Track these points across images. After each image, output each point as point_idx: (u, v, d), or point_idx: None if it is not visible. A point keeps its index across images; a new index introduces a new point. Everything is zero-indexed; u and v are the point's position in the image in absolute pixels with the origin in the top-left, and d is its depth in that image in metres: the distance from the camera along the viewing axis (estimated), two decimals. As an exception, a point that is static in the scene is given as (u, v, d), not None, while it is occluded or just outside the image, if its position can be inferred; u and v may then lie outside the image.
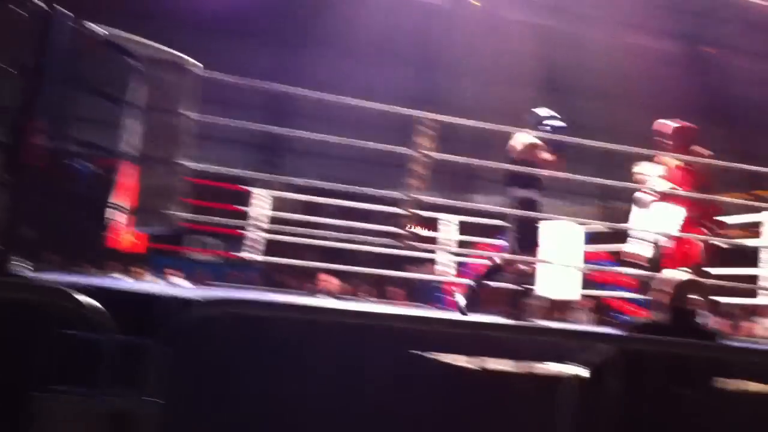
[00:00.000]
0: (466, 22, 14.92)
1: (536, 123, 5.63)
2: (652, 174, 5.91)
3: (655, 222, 5.81)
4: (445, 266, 9.24)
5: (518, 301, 5.99)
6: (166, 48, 4.14)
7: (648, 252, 5.89)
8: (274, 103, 17.31)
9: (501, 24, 14.59)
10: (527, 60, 15.86)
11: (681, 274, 3.78)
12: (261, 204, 8.32)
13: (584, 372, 3.38)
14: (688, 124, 5.95)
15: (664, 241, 5.86)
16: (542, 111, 5.82)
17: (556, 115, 5.82)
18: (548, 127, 5.63)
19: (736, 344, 5.99)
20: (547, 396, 2.92)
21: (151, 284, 7.36)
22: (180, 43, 4.45)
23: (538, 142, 5.53)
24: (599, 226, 8.30)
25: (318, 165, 17.37)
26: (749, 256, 6.81)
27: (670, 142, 5.89)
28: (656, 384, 2.71)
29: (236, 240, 13.11)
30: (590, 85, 16.43)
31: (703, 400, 2.73)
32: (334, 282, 10.00)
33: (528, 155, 5.50)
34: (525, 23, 15.17)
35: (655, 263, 5.65)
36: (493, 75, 16.77)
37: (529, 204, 5.57)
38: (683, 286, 3.65)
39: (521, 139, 5.56)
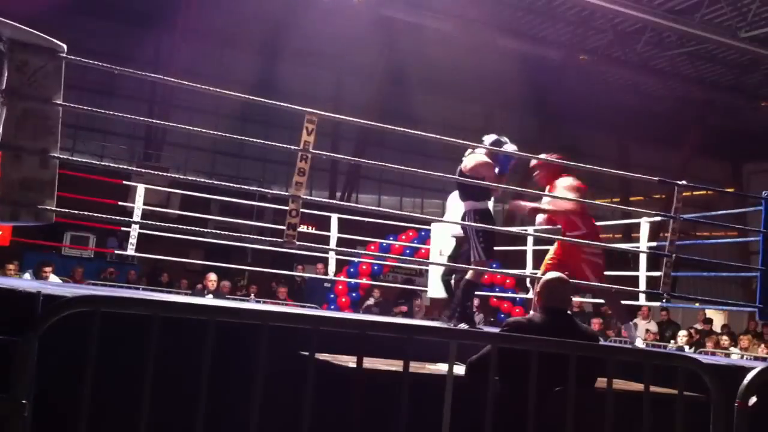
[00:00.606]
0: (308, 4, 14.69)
1: (493, 145, 5.98)
2: None
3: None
4: (332, 265, 9.22)
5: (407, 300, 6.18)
6: (30, 30, 3.90)
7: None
8: (157, 94, 16.89)
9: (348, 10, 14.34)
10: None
11: (557, 275, 3.86)
12: (141, 199, 8.04)
13: (461, 370, 3.42)
14: (553, 156, 6.21)
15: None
16: (492, 137, 6.09)
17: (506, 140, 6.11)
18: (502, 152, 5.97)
19: (611, 344, 6.25)
20: (429, 395, 2.93)
21: (18, 280, 7.00)
22: (45, 24, 4.24)
23: (488, 161, 5.92)
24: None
25: (204, 160, 17.09)
26: (627, 260, 7.12)
27: (541, 173, 6.26)
28: (534, 382, 2.75)
29: (114, 235, 12.67)
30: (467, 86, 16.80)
31: (580, 398, 2.79)
32: (214, 279, 9.79)
33: (477, 172, 5.84)
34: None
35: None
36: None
37: (485, 214, 5.92)
38: (559, 286, 3.74)
39: (476, 157, 5.94)
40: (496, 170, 5.95)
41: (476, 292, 6.77)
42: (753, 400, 2.90)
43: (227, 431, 3.29)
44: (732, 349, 11.18)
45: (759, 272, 6.31)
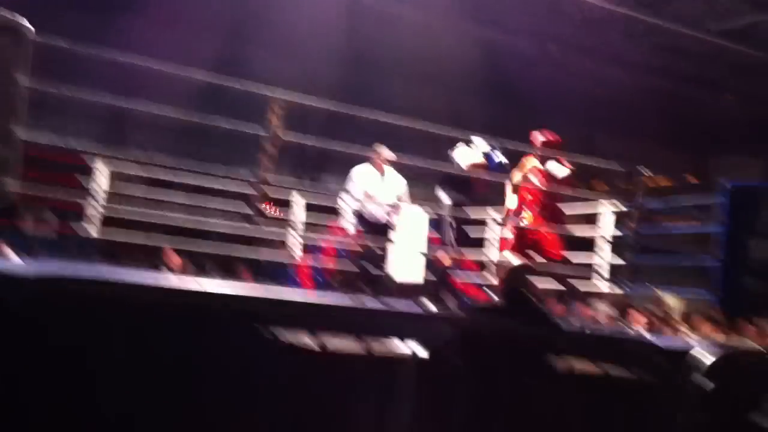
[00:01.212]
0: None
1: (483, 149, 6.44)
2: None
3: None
4: (296, 247, 9.18)
5: (371, 282, 6.30)
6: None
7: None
8: (117, 73, 16.60)
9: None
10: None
11: (518, 259, 3.90)
12: (102, 178, 7.94)
13: (424, 352, 3.44)
14: (553, 136, 6.50)
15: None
16: (482, 142, 6.49)
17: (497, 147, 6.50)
18: (493, 158, 6.41)
19: (570, 327, 6.33)
20: (388, 375, 2.94)
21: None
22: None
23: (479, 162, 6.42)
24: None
25: (166, 140, 16.88)
26: (588, 245, 7.20)
27: (539, 152, 6.68)
28: (493, 364, 2.78)
29: (75, 215, 12.50)
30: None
31: (538, 381, 2.83)
32: (178, 259, 9.70)
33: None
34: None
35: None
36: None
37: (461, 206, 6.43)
38: (520, 271, 3.79)
39: (468, 157, 6.43)
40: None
41: (444, 277, 6.90)
42: (708, 383, 2.97)
43: (189, 411, 3.27)
44: (688, 333, 11.35)
45: (718, 261, 6.45)
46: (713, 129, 19.47)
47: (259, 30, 16.05)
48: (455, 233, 6.12)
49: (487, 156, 6.39)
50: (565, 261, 6.42)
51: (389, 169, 7.19)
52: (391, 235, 7.18)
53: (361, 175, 7.10)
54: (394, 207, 7.10)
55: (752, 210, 7.46)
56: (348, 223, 7.07)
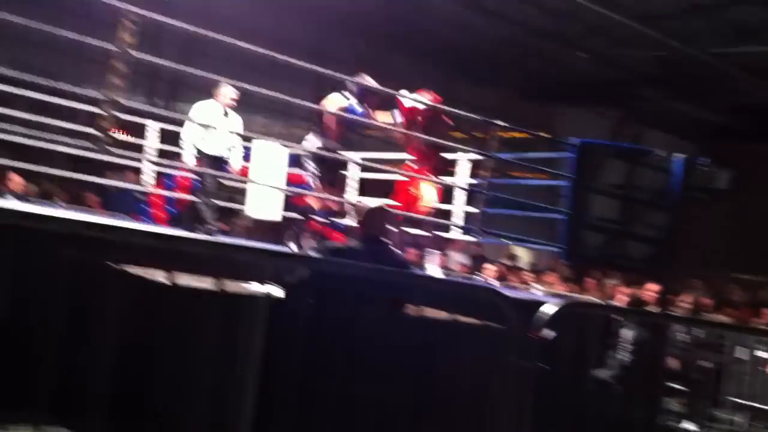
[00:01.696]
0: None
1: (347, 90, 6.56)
2: None
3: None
4: (148, 176, 8.86)
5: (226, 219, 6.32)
6: None
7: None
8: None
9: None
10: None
11: (378, 205, 3.93)
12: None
13: (278, 292, 3.42)
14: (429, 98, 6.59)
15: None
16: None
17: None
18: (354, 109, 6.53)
19: (422, 273, 6.50)
20: (240, 314, 2.91)
21: None
22: None
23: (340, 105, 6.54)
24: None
25: (12, 51, 15.72)
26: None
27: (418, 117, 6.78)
28: (342, 305, 2.80)
29: None
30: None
31: (385, 323, 2.88)
32: (19, 181, 9.15)
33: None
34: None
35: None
36: None
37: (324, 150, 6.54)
38: (379, 216, 3.81)
39: (332, 100, 6.57)
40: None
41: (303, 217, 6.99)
42: (549, 333, 3.11)
43: (27, 341, 3.11)
44: (535, 285, 11.95)
45: (564, 215, 6.75)
46: (566, 84, 20.22)
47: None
48: (319, 174, 6.15)
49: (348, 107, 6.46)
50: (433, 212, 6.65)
51: (231, 109, 7.22)
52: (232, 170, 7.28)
53: (202, 111, 7.13)
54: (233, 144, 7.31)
55: (597, 167, 7.82)
56: (189, 156, 7.07)
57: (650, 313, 4.88)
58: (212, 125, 6.81)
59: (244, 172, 7.70)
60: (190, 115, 7.18)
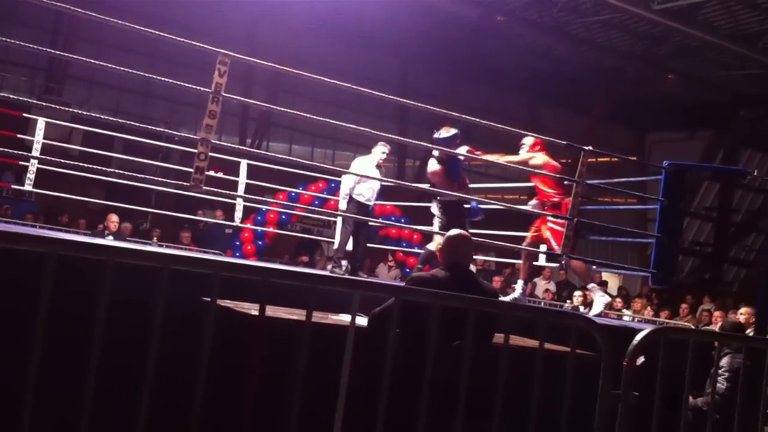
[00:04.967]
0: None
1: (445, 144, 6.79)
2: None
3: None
4: (239, 211, 9.09)
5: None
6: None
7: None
8: (61, 24, 16.08)
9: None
10: None
11: (460, 232, 3.91)
12: (41, 133, 7.70)
13: (363, 320, 3.45)
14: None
15: None
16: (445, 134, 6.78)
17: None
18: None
19: (510, 301, 6.43)
20: (330, 345, 2.94)
21: None
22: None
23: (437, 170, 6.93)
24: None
25: (108, 97, 16.47)
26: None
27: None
28: (435, 335, 2.80)
29: (9, 169, 12.13)
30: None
31: (477, 352, 2.86)
32: (116, 221, 9.51)
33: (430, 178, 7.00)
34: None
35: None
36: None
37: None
38: (461, 244, 3.79)
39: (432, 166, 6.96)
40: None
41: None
42: (641, 359, 3.04)
43: (124, 376, 3.22)
44: (624, 311, 11.66)
45: (654, 239, 6.58)
46: (654, 107, 19.80)
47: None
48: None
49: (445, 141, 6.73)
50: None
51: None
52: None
53: (359, 164, 7.54)
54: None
55: (689, 189, 7.63)
56: (343, 203, 7.49)
57: (748, 338, 4.69)
58: (366, 175, 7.16)
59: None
60: (353, 166, 7.53)
